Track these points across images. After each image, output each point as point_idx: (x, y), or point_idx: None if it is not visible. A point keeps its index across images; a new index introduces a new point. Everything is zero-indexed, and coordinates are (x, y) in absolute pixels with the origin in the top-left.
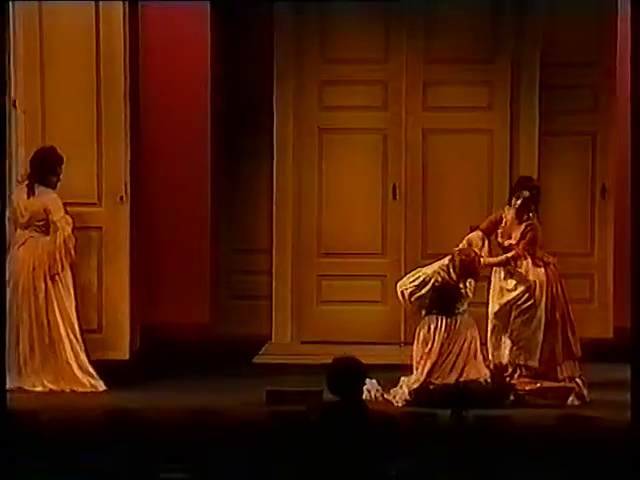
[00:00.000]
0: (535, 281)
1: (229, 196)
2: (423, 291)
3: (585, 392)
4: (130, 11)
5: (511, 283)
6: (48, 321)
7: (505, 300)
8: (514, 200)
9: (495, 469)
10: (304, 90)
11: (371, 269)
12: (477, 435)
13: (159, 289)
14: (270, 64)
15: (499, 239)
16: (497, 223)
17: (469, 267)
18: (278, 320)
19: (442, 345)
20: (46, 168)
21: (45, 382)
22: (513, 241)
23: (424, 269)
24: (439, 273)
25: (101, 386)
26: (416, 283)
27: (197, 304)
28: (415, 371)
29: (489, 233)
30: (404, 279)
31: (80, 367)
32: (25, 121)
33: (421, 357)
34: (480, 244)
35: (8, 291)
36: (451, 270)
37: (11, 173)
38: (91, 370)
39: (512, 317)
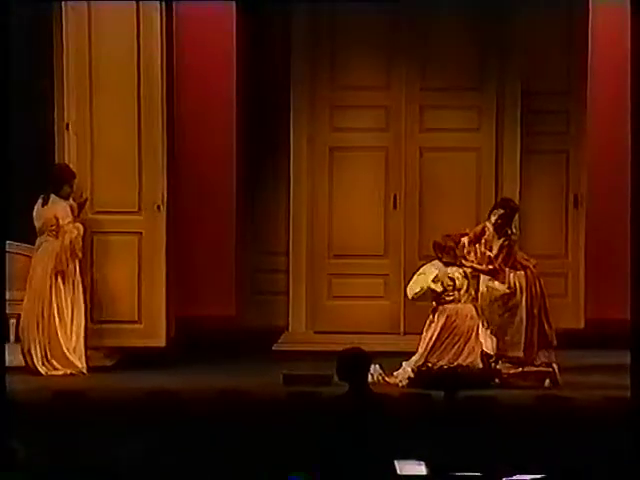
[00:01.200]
0: (516, 283)
1: (252, 205)
2: (426, 286)
3: (559, 377)
4: (167, 29)
5: (496, 285)
6: (50, 313)
7: (490, 299)
8: (492, 217)
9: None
10: (317, 113)
11: (375, 269)
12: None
13: (192, 285)
14: (288, 90)
15: (482, 248)
16: (481, 234)
17: (440, 247)
18: (294, 313)
19: (441, 330)
20: (60, 181)
21: (47, 364)
22: (495, 251)
23: (422, 268)
24: (434, 267)
25: (84, 370)
26: (415, 291)
27: (224, 299)
28: (417, 352)
29: (474, 241)
30: (410, 282)
31: (72, 350)
32: (77, 142)
33: (423, 340)
34: (466, 249)
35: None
36: (438, 260)
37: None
38: (82, 355)
39: (497, 314)
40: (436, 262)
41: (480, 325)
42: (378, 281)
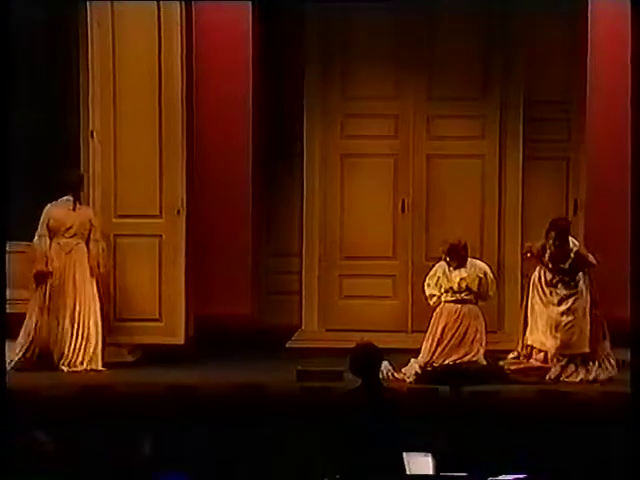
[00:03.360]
0: (580, 283)
1: (268, 209)
2: (433, 282)
3: (615, 367)
4: (187, 35)
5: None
6: (73, 312)
7: (552, 303)
8: (549, 240)
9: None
10: (329, 122)
11: (384, 270)
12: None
13: (209, 285)
14: (301, 97)
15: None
16: (542, 251)
17: (452, 250)
18: (307, 312)
19: (444, 329)
20: (81, 188)
21: (67, 363)
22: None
23: (434, 267)
24: (441, 267)
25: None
26: (430, 276)
27: (241, 298)
28: (424, 350)
29: (538, 256)
30: (426, 277)
31: (91, 350)
32: (101, 149)
33: (428, 338)
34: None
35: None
36: (445, 260)
37: (88, 195)
38: (92, 354)
39: (561, 315)
40: (443, 263)
41: (484, 324)
42: (387, 281)
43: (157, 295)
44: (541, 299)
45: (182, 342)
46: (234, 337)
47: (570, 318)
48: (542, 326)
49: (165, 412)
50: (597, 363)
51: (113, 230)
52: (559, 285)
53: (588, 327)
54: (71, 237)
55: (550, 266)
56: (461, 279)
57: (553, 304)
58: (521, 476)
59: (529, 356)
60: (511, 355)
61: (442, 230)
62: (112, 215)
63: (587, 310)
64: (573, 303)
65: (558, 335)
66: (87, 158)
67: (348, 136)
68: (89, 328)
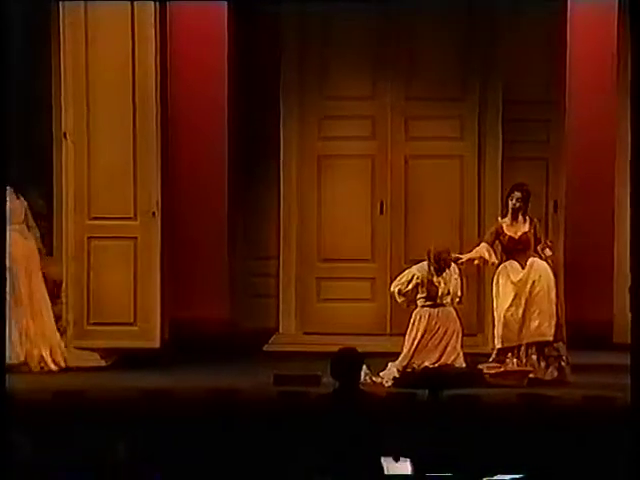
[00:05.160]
0: (539, 270)
1: (244, 211)
2: (409, 287)
3: (569, 371)
4: (162, 37)
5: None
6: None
7: (511, 290)
8: (510, 202)
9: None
10: (306, 123)
11: (362, 272)
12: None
13: (185, 288)
14: (278, 99)
15: (512, 234)
16: (497, 233)
17: (437, 257)
18: (284, 315)
19: (424, 333)
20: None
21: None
22: (526, 229)
23: (410, 269)
24: (420, 271)
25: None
26: (402, 281)
27: (218, 302)
28: (402, 353)
29: (492, 243)
30: (395, 280)
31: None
32: (74, 150)
33: (407, 341)
34: (488, 254)
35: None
36: (429, 266)
37: (61, 197)
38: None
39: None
40: (424, 265)
41: (461, 327)
42: (365, 284)
43: (132, 298)
44: (500, 290)
45: (157, 346)
46: (210, 341)
47: (524, 300)
48: (503, 317)
49: (140, 417)
50: (545, 362)
51: (87, 232)
52: (516, 265)
53: (550, 315)
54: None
55: (506, 241)
56: (445, 284)
57: (512, 283)
58: (517, 476)
59: (504, 360)
60: (491, 358)
61: (421, 232)
62: (86, 217)
63: (550, 298)
64: (532, 286)
65: (511, 323)
66: (60, 159)
67: (325, 137)
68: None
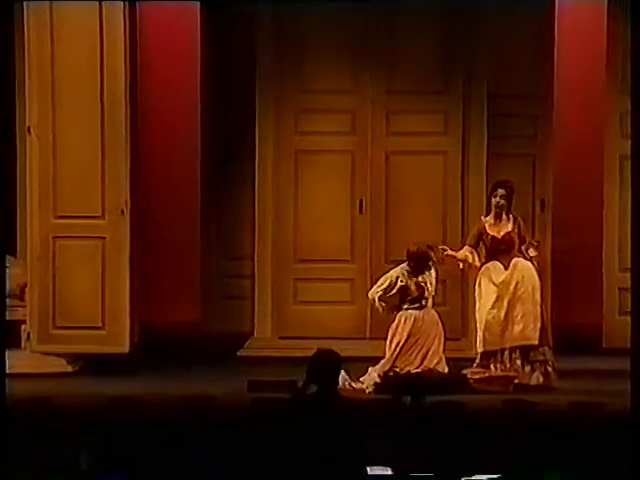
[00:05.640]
0: (523, 270)
1: (217, 209)
2: (392, 292)
3: (555, 377)
4: (130, 31)
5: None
6: None
7: (495, 292)
8: (493, 200)
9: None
10: (282, 117)
11: (341, 273)
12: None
13: (155, 291)
14: (253, 93)
15: (495, 234)
16: (480, 234)
17: (419, 256)
18: (259, 318)
19: (408, 337)
20: None
21: None
22: (509, 229)
23: (389, 273)
24: (402, 273)
25: None
26: (383, 287)
27: (189, 304)
28: (384, 358)
29: (475, 245)
30: (373, 287)
31: None
32: (39, 146)
33: (390, 345)
34: (471, 256)
35: None
36: (410, 266)
37: (25, 191)
38: None
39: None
40: (405, 267)
41: (442, 331)
42: (344, 286)
43: (99, 301)
44: (482, 292)
45: (126, 351)
46: (182, 345)
47: (507, 302)
48: (486, 321)
49: (107, 425)
50: (530, 367)
51: (52, 231)
52: (499, 266)
53: (534, 317)
54: None
55: (489, 241)
56: (430, 284)
57: (494, 284)
58: (495, 476)
59: (488, 365)
60: (475, 363)
61: (402, 231)
62: (51, 215)
63: (535, 300)
64: (515, 287)
65: (494, 326)
66: (24, 155)
67: (302, 132)
68: None
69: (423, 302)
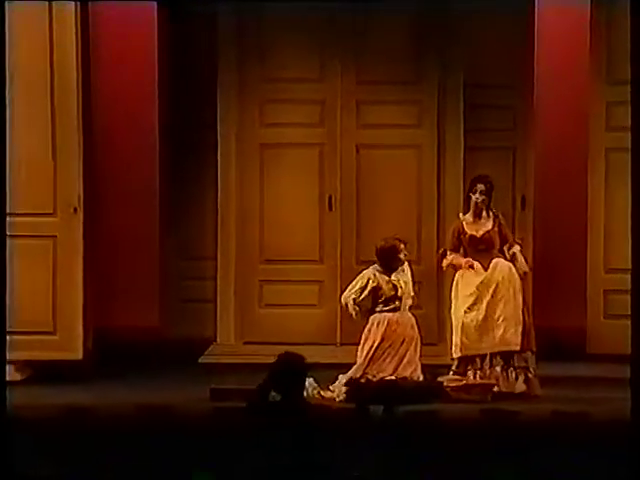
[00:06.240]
0: (503, 271)
1: (178, 207)
2: (364, 294)
3: (538, 385)
4: (82, 28)
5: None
6: None
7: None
8: (473, 197)
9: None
10: (246, 108)
11: (309, 275)
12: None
13: (112, 294)
14: (215, 81)
15: (474, 232)
16: (459, 233)
17: (387, 251)
18: (222, 322)
19: (381, 341)
20: None
21: None
22: (489, 227)
23: (360, 274)
24: (374, 274)
25: None
26: (355, 289)
27: (148, 308)
28: (356, 364)
29: (458, 247)
30: (346, 291)
31: None
32: None
33: (362, 350)
34: (462, 259)
35: None
36: (379, 266)
37: None
38: None
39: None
40: (377, 267)
41: (419, 335)
42: (313, 288)
43: (51, 304)
44: (459, 293)
45: (80, 357)
46: (139, 351)
47: (485, 304)
48: (462, 325)
49: (59, 438)
50: (512, 374)
51: None
52: (478, 266)
53: (516, 321)
54: None
55: (467, 240)
56: (405, 283)
57: (472, 285)
58: None
59: (464, 371)
60: (452, 370)
61: (374, 230)
62: None
63: (516, 302)
64: (495, 289)
65: (471, 331)
66: None
67: (268, 124)
68: None
69: (397, 303)
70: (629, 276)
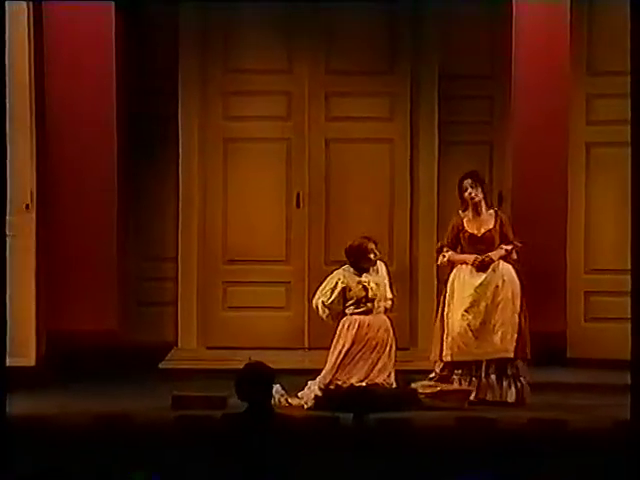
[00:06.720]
0: (503, 273)
1: (136, 205)
2: (334, 296)
3: (528, 393)
4: (35, 19)
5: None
6: None
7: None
8: (466, 195)
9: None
10: (209, 100)
11: (275, 276)
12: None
13: (67, 296)
14: (176, 69)
15: (474, 231)
16: (458, 230)
17: (354, 249)
18: (184, 326)
19: (352, 345)
20: None
21: None
22: (491, 225)
23: (331, 275)
24: (344, 274)
25: None
26: (325, 291)
27: (105, 311)
28: (325, 369)
29: (455, 245)
30: (317, 292)
31: None
32: None
33: (332, 354)
34: (467, 256)
35: None
36: (349, 265)
37: None
38: None
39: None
40: (347, 267)
41: (394, 339)
42: (279, 289)
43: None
44: (456, 294)
45: (32, 364)
46: (96, 357)
47: (484, 308)
48: (458, 328)
49: (9, 450)
50: (507, 382)
51: None
52: (478, 270)
53: (512, 327)
54: None
55: (467, 239)
56: (376, 284)
57: (470, 287)
58: None
59: (449, 376)
60: (432, 376)
61: (344, 228)
62: None
63: (514, 307)
64: (494, 292)
65: (472, 334)
66: None
67: (231, 117)
68: None
69: (369, 305)
70: (611, 277)
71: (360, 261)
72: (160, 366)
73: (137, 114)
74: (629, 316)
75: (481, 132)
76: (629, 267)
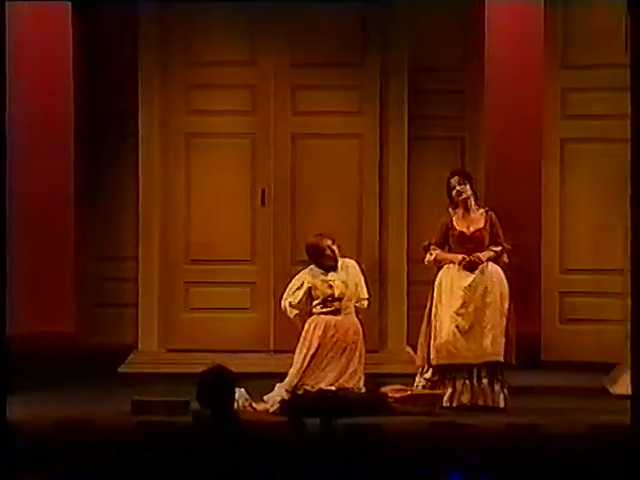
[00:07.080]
0: (492, 273)
1: (94, 203)
2: (300, 297)
3: (507, 400)
4: None
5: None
6: None
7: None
8: (455, 193)
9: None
10: (169, 94)
11: (240, 276)
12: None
13: (22, 297)
14: (135, 67)
15: (464, 229)
16: (447, 228)
17: (311, 248)
18: (144, 328)
19: (318, 347)
20: None
21: None
22: (481, 225)
23: (297, 275)
24: (309, 273)
25: None
26: (292, 291)
27: (62, 313)
28: (291, 373)
29: (443, 243)
30: (285, 292)
31: None
32: None
33: (298, 357)
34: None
35: None
36: (316, 264)
37: None
38: None
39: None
40: (314, 267)
41: (363, 342)
42: (243, 290)
43: None
44: (443, 295)
45: None
46: (53, 360)
47: (472, 310)
48: (447, 330)
49: None
50: (497, 386)
51: None
52: (465, 269)
53: (501, 330)
54: None
55: (456, 237)
56: (342, 282)
57: (459, 287)
58: None
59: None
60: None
61: (311, 226)
62: None
63: (502, 309)
64: (484, 293)
65: (463, 337)
66: None
67: (194, 111)
68: None
69: (336, 304)
70: (587, 277)
71: (319, 259)
72: (120, 370)
73: (96, 113)
74: (605, 317)
75: (453, 127)
76: (605, 267)
